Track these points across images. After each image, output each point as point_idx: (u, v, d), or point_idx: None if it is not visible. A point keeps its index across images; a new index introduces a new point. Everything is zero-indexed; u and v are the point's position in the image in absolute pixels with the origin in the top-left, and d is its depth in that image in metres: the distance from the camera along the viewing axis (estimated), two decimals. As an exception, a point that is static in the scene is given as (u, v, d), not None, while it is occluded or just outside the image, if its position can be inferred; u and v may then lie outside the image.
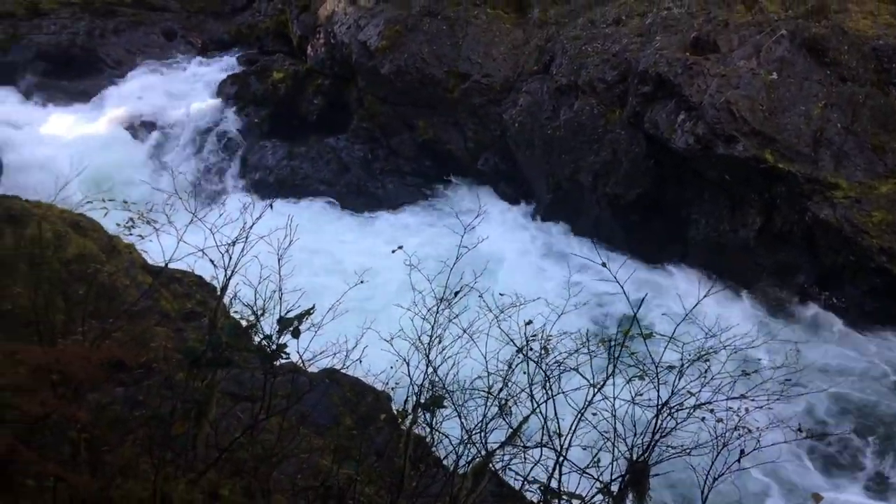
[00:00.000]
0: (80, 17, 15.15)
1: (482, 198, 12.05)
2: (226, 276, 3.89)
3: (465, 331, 3.75)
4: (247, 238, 3.92)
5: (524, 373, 3.62)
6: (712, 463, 3.59)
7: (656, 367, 3.44)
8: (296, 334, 3.74)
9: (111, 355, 3.70)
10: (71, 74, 14.44)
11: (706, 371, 3.50)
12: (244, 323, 4.02)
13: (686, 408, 3.50)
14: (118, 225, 4.53)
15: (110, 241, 7.07)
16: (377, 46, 12.91)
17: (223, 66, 14.95)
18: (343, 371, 4.75)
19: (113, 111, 13.55)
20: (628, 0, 12.40)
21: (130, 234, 4.56)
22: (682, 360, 3.49)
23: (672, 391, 3.54)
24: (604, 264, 3.38)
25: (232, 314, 4.11)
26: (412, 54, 12.80)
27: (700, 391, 3.53)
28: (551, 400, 3.55)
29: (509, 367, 3.62)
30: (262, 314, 3.86)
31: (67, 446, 3.52)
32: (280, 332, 3.71)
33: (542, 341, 3.60)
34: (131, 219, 4.61)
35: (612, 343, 3.46)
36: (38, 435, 3.21)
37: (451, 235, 4.34)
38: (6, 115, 12.93)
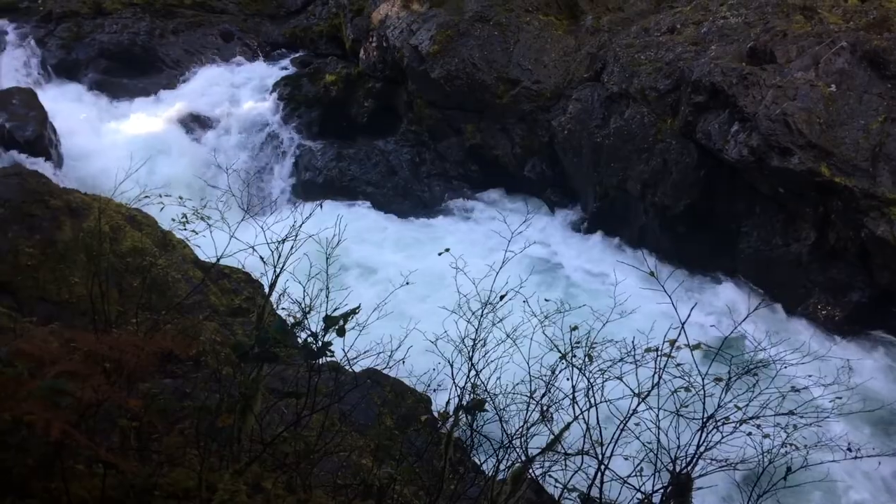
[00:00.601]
0: (142, 17, 15.56)
1: (528, 204, 12.04)
2: (274, 273, 3.96)
3: (508, 335, 3.75)
4: (296, 237, 3.98)
5: (567, 379, 3.60)
6: (757, 479, 3.53)
7: (702, 379, 3.39)
8: (341, 333, 3.78)
9: (162, 347, 3.78)
10: (131, 72, 14.85)
11: (754, 386, 3.44)
12: (290, 320, 4.07)
13: (732, 422, 3.45)
14: (172, 220, 4.65)
15: (164, 235, 7.26)
16: (428, 51, 12.99)
17: (277, 68, 15.22)
18: (385, 371, 4.80)
19: (170, 109, 13.89)
20: (684, 9, 12.26)
21: (184, 230, 4.69)
22: (729, 373, 3.44)
23: (718, 404, 3.49)
24: (651, 273, 3.35)
25: (279, 311, 4.18)
26: (463, 59, 12.85)
27: (747, 406, 3.47)
28: (594, 408, 3.53)
29: (552, 372, 3.61)
30: (309, 312, 3.91)
31: (117, 433, 3.62)
32: (325, 331, 3.75)
33: (587, 349, 3.58)
34: (185, 215, 4.74)
35: (658, 353, 3.42)
36: (90, 421, 3.30)
37: (496, 240, 4.34)
38: (69, 110, 13.34)
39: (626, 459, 3.65)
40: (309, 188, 13.08)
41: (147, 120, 13.59)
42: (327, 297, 3.76)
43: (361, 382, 5.67)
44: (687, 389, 3.43)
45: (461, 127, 13.31)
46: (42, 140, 11.75)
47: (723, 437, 3.49)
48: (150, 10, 15.71)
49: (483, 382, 3.72)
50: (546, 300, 3.80)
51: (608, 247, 11.66)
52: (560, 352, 3.59)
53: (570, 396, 3.56)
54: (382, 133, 13.87)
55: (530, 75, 12.72)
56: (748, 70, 10.26)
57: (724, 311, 8.54)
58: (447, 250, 4.05)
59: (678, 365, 3.45)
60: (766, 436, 3.49)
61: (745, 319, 3.42)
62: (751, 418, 3.47)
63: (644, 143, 11.33)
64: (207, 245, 4.53)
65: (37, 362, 3.29)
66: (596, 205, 12.03)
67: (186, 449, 3.71)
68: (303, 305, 3.76)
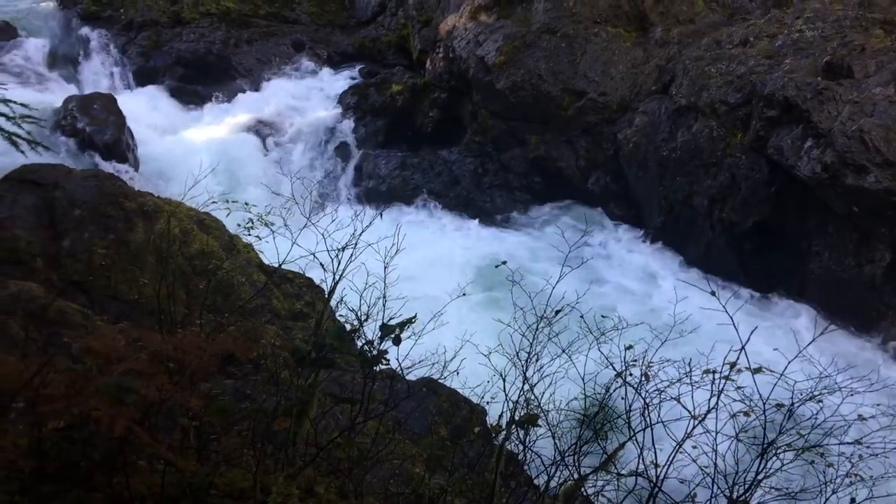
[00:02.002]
0: (218, 27, 16.07)
1: (591, 217, 11.93)
2: (334, 279, 4.02)
3: (563, 350, 3.72)
4: (355, 244, 4.04)
5: (622, 398, 3.55)
6: (819, 509, 3.40)
7: (763, 403, 3.28)
8: (397, 342, 3.81)
9: (224, 348, 3.87)
10: (205, 80, 15.34)
11: (818, 413, 3.31)
12: (348, 327, 4.13)
13: (794, 449, 3.33)
14: (238, 225, 4.78)
15: (230, 239, 7.45)
16: (494, 62, 13.02)
17: (346, 77, 15.50)
18: (440, 381, 4.81)
19: (242, 116, 14.28)
20: (757, 22, 11.97)
21: (249, 235, 4.82)
22: (791, 398, 3.32)
23: (780, 430, 3.37)
24: (713, 293, 3.27)
25: (337, 317, 4.24)
26: (529, 70, 12.83)
27: (809, 433, 3.35)
28: (649, 428, 3.46)
29: (606, 390, 3.56)
30: (366, 320, 3.95)
31: (178, 432, 3.73)
32: (382, 339, 3.79)
33: (643, 367, 3.52)
34: (251, 220, 4.87)
35: (717, 375, 3.34)
36: (153, 419, 3.39)
37: (555, 253, 4.32)
38: (146, 115, 13.86)
39: (682, 483, 3.56)
40: (372, 196, 13.25)
41: (219, 126, 14.01)
42: (384, 305, 3.79)
43: (417, 391, 5.70)
44: (746, 414, 3.33)
45: (525, 138, 13.28)
46: (120, 144, 12.22)
47: (783, 465, 3.37)
48: (226, 19, 16.21)
49: (536, 397, 3.69)
50: (603, 316, 3.75)
51: (671, 263, 11.43)
52: (615, 370, 3.54)
53: (625, 416, 3.50)
54: (446, 143, 13.95)
55: (596, 87, 12.61)
56: (824, 85, 9.94)
57: (788, 333, 8.25)
58: (504, 263, 4.04)
59: (738, 388, 3.35)
60: (829, 465, 3.36)
61: (811, 343, 3.30)
62: (813, 446, 3.34)
63: (712, 157, 11.09)
64: (270, 250, 4.64)
65: (105, 359, 3.41)
66: (660, 219, 11.82)
67: (243, 450, 3.78)
68: (359, 313, 3.80)
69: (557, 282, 3.80)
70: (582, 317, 3.80)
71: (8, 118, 4.41)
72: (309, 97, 14.85)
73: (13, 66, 14.15)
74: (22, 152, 4.44)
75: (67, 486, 3.14)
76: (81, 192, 7.08)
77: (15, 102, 4.53)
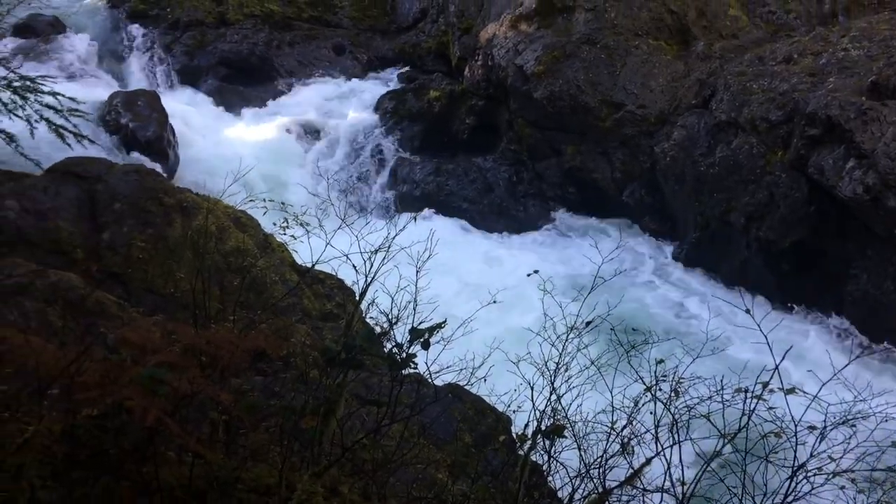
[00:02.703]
0: (261, 28, 16.29)
1: (624, 230, 11.85)
2: (365, 282, 4.05)
3: (592, 362, 3.70)
4: (388, 248, 4.06)
5: (650, 413, 3.51)
6: (848, 535, 3.33)
7: (795, 425, 3.23)
8: (425, 346, 3.82)
9: (255, 345, 3.91)
10: (247, 81, 15.55)
11: (850, 437, 3.25)
12: (378, 329, 4.15)
13: (824, 473, 3.26)
14: (273, 224, 4.84)
15: (265, 238, 7.54)
16: (533, 71, 13.01)
17: (384, 82, 15.60)
18: (466, 388, 4.81)
19: (281, 117, 14.45)
20: (802, 39, 11.81)
21: (283, 234, 4.87)
22: (824, 421, 3.26)
23: (811, 453, 3.31)
24: (747, 310, 3.22)
25: (367, 320, 4.27)
26: (567, 81, 12.79)
27: (841, 457, 3.28)
28: (677, 445, 3.42)
29: (634, 404, 3.53)
30: (396, 323, 3.97)
31: (208, 425, 3.78)
32: (410, 342, 3.81)
33: (673, 383, 3.48)
34: (286, 219, 4.93)
35: (749, 394, 3.29)
36: (184, 411, 3.44)
37: (588, 264, 4.30)
38: (188, 113, 14.09)
39: (709, 502, 3.52)
40: (406, 200, 13.30)
41: (258, 127, 14.19)
42: (414, 309, 3.81)
43: (443, 396, 5.71)
44: (777, 435, 3.27)
45: (561, 148, 13.24)
46: (161, 141, 12.43)
47: (813, 489, 3.31)
48: (269, 21, 16.42)
49: (563, 408, 3.67)
50: (633, 329, 3.72)
51: (705, 279, 11.30)
52: (645, 384, 3.51)
53: (654, 431, 3.47)
54: (482, 150, 13.96)
55: (635, 99, 12.54)
56: (868, 105, 9.76)
57: (823, 355, 8.10)
58: (536, 272, 4.04)
59: (770, 408, 3.30)
60: (860, 491, 3.29)
61: (846, 366, 3.23)
62: (845, 471, 3.28)
63: (751, 174, 10.94)
64: (304, 250, 4.69)
65: (140, 351, 3.48)
66: (695, 235, 11.70)
67: (270, 446, 3.82)
68: (390, 316, 3.83)
69: (589, 293, 3.78)
70: (612, 329, 3.77)
71: (56, 111, 4.53)
72: (348, 100, 14.97)
73: (61, 60, 14.47)
74: (68, 145, 4.57)
75: (98, 474, 3.20)
76: (123, 186, 7.22)
77: (63, 96, 4.66)
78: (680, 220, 12.17)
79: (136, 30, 15.94)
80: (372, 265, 4.11)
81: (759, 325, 3.20)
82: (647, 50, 12.96)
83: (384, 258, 4.12)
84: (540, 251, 12.04)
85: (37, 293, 5.30)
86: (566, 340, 3.71)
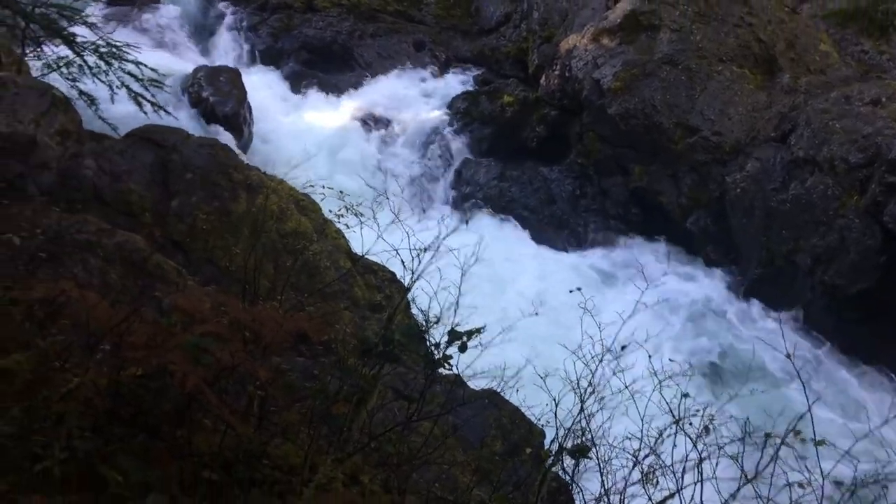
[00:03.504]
0: (346, 17, 16.56)
1: (684, 257, 11.64)
2: (411, 278, 4.11)
3: (626, 386, 3.67)
4: (437, 248, 4.11)
5: (675, 446, 3.47)
6: None
7: (822, 478, 3.15)
8: (462, 349, 3.86)
9: (299, 327, 4.00)
10: (326, 67, 15.84)
11: (879, 496, 3.15)
12: (420, 326, 4.21)
13: (849, 531, 3.18)
14: (330, 211, 4.94)
15: (324, 223, 7.68)
16: (610, 86, 12.89)
17: (460, 82, 15.66)
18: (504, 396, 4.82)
19: (354, 106, 14.67)
20: (893, 82, 11.40)
21: (339, 222, 4.98)
22: (854, 477, 3.17)
23: (837, 510, 3.23)
24: (788, 356, 3.16)
25: (406, 315, 4.33)
26: (643, 99, 12.63)
27: (868, 518, 3.19)
28: (700, 483, 3.37)
29: (659, 434, 3.49)
30: (437, 322, 4.02)
31: (245, 399, 3.89)
32: (448, 343, 3.85)
33: (704, 419, 3.43)
34: (347, 207, 5.03)
35: (778, 440, 3.22)
36: (223, 382, 3.55)
37: (634, 289, 4.26)
38: (265, 94, 14.43)
39: (728, 544, 3.46)
40: (467, 201, 13.33)
41: (330, 113, 14.44)
42: (455, 311, 3.85)
43: (478, 401, 5.73)
44: (802, 486, 3.19)
45: (629, 167, 13.08)
46: (238, 118, 12.78)
47: (836, 546, 3.23)
48: (354, 11, 16.68)
49: (591, 430, 3.66)
50: (670, 360, 3.68)
51: (761, 316, 11.00)
52: (674, 416, 3.47)
53: (678, 464, 3.42)
54: (548, 160, 13.90)
55: (711, 125, 12.30)
56: (956, 157, 9.39)
57: (862, 408, 7.82)
58: (578, 289, 4.03)
59: (799, 457, 3.23)
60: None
61: (884, 424, 3.14)
62: (871, 532, 3.18)
63: (823, 215, 10.63)
64: (356, 240, 4.78)
65: (189, 318, 3.61)
66: (757, 271, 11.41)
67: (301, 427, 3.91)
68: (429, 315, 3.87)
69: (630, 317, 3.76)
70: (650, 357, 3.74)
71: (137, 79, 4.73)
72: (421, 97, 15.09)
73: (153, 29, 15.01)
74: (145, 113, 4.76)
75: (135, 431, 3.33)
76: (196, 157, 7.44)
77: (145, 65, 4.85)
78: (743, 253, 11.89)
79: (226, 7, 16.41)
80: (420, 262, 4.16)
81: (797, 372, 3.13)
82: (729, 76, 12.70)
83: (433, 257, 4.17)
84: (592, 268, 11.90)
85: (101, 251, 5.53)
86: (600, 361, 3.69)
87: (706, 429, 3.42)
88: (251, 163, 8.41)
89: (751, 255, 11.67)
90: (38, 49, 6.94)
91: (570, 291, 4.13)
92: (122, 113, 6.32)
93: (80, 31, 7.01)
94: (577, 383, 3.72)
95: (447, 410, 4.13)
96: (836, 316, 10.41)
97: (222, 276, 6.51)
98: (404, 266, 4.21)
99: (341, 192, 4.93)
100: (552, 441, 3.78)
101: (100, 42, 5.27)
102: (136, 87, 4.90)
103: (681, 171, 12.50)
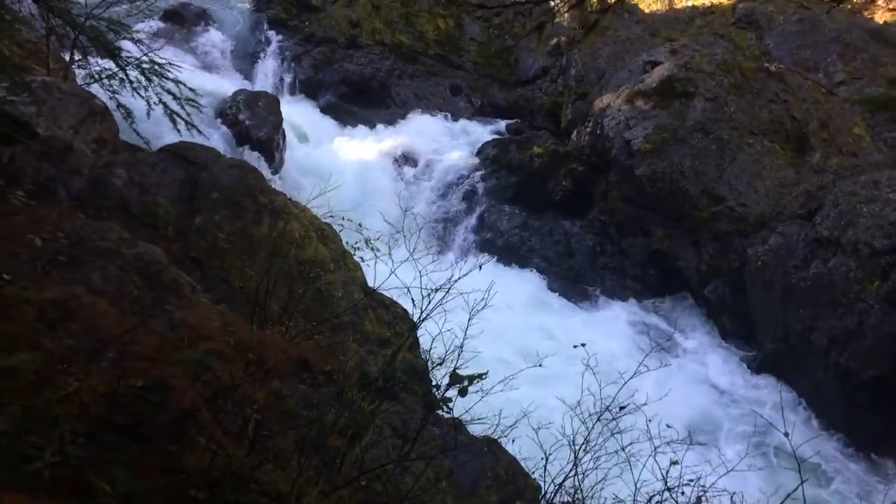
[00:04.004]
0: (387, 56, 16.92)
1: (699, 325, 11.54)
2: (420, 317, 4.12)
3: (623, 448, 3.63)
4: (448, 289, 4.13)
5: (665, 513, 3.42)
6: None
7: (812, 564, 3.08)
8: (462, 393, 3.85)
9: (303, 354, 4.03)
10: (363, 102, 16.14)
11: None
12: (425, 365, 4.21)
13: None
14: (347, 242, 4.99)
15: (342, 254, 7.73)
16: (640, 147, 12.97)
17: (492, 129, 15.86)
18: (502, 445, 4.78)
19: (385, 143, 14.88)
20: (923, 170, 11.36)
21: (355, 254, 5.02)
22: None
23: None
24: (786, 434, 3.12)
25: (415, 355, 4.34)
26: (672, 164, 12.69)
27: None
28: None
29: (648, 501, 3.44)
30: (440, 363, 4.02)
31: (241, 420, 3.89)
32: (449, 386, 3.84)
33: (696, 489, 3.38)
34: (366, 240, 5.08)
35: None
36: (222, 401, 3.57)
37: (641, 350, 4.24)
38: (302, 122, 14.70)
39: None
40: (486, 247, 13.38)
41: (362, 147, 14.65)
42: (459, 354, 3.85)
43: (474, 445, 5.68)
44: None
45: (651, 229, 13.08)
46: (271, 143, 13.00)
47: None
48: (396, 51, 17.05)
49: (582, 488, 3.61)
50: (668, 426, 3.64)
51: (770, 392, 10.81)
52: (666, 485, 3.42)
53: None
54: (571, 215, 13.94)
55: (738, 196, 12.30)
56: (983, 252, 9.28)
57: (878, 496, 7.61)
58: (583, 345, 4.02)
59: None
60: None
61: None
62: None
63: (843, 297, 10.50)
64: (369, 274, 4.81)
65: (196, 334, 3.64)
66: (772, 346, 11.27)
67: (292, 455, 3.90)
68: (433, 356, 3.88)
69: (630, 378, 3.74)
70: (648, 421, 3.71)
71: (175, 97, 4.86)
72: (452, 140, 15.28)
73: (199, 49, 15.41)
74: (178, 130, 4.87)
75: (129, 441, 3.34)
76: (224, 177, 7.56)
77: (184, 85, 4.99)
78: (759, 327, 11.76)
79: (272, 35, 16.82)
80: (430, 302, 4.19)
81: (794, 453, 3.09)
82: (760, 150, 12.73)
83: (443, 298, 4.19)
84: (602, 325, 11.82)
85: (120, 259, 5.60)
86: (597, 420, 3.66)
87: (698, 499, 3.37)
88: (280, 188, 8.52)
89: (766, 329, 11.54)
90: (85, 59, 7.18)
91: (575, 346, 4.12)
92: (156, 129, 6.47)
93: (128, 46, 7.25)
94: (573, 439, 3.69)
95: (442, 451, 4.11)
96: (848, 401, 10.21)
97: (235, 295, 6.54)
98: (414, 304, 4.23)
99: (360, 224, 4.99)
100: (543, 495, 3.74)
101: (143, 58, 5.45)
102: (173, 104, 5.04)
103: (703, 238, 12.47)
